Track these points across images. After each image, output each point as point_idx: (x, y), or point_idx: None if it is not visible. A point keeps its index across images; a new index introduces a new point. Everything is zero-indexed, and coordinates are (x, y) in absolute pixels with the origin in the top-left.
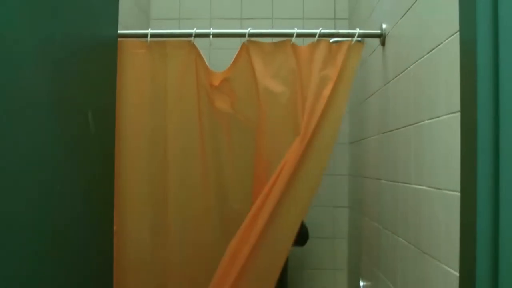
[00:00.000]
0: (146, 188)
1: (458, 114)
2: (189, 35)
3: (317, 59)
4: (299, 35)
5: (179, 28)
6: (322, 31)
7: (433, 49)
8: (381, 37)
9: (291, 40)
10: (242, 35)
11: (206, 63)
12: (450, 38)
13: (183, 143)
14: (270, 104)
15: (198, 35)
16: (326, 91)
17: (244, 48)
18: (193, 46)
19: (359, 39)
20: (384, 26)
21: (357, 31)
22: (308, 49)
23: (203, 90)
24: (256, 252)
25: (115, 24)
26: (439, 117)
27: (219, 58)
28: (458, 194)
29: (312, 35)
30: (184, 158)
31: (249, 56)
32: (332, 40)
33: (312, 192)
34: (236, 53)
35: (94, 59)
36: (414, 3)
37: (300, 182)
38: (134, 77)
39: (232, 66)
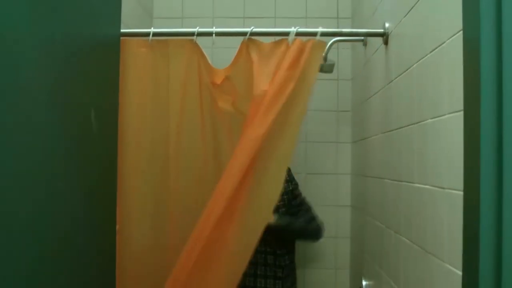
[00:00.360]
0: (148, 187)
1: (461, 113)
2: (192, 34)
3: (292, 57)
4: (300, 34)
5: (182, 27)
6: (324, 30)
7: (436, 48)
8: (384, 36)
9: (287, 39)
10: (244, 34)
11: (209, 61)
12: (453, 37)
13: (185, 143)
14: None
15: (200, 34)
16: (289, 90)
17: (244, 45)
18: (195, 45)
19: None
20: (387, 25)
21: (361, 30)
22: (294, 47)
23: (205, 89)
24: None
25: (117, 23)
26: (442, 116)
27: (222, 57)
28: (461, 193)
29: (314, 34)
30: (187, 158)
31: (248, 54)
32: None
33: (274, 192)
34: (237, 50)
35: (96, 58)
36: (417, 2)
37: (260, 182)
38: (136, 76)
39: (233, 63)
